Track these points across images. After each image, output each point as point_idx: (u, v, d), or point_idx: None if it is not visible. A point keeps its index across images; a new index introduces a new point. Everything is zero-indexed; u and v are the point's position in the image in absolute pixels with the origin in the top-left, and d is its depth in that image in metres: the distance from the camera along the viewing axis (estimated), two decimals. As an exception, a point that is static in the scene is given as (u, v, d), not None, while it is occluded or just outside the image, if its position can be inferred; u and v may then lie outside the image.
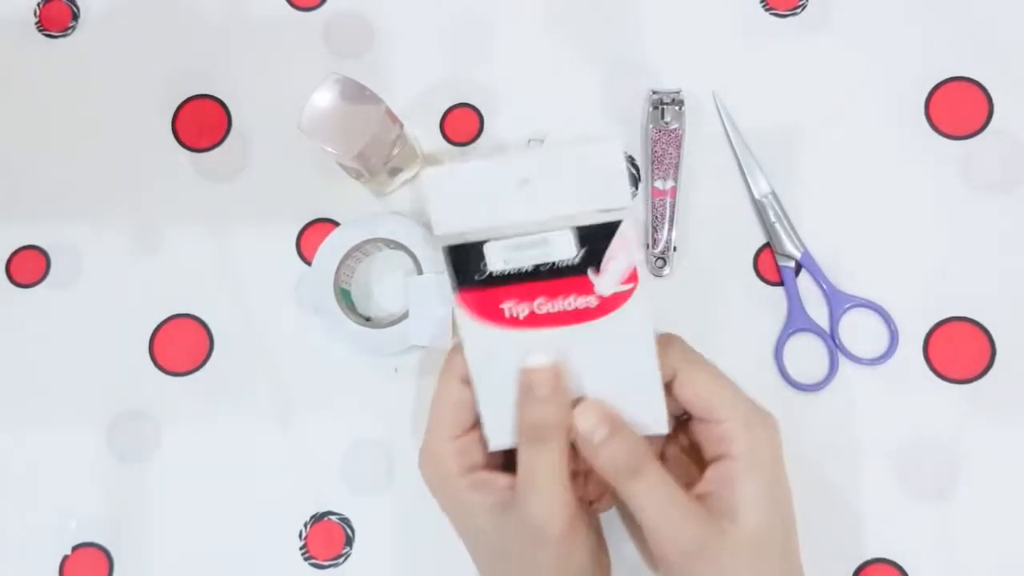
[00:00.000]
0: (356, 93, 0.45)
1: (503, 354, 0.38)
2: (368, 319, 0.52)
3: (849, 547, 0.49)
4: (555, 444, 0.37)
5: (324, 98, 0.45)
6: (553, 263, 0.37)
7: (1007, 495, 0.48)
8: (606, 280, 0.36)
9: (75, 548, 0.52)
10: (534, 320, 0.37)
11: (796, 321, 0.50)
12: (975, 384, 0.49)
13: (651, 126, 0.51)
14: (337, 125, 0.45)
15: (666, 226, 0.51)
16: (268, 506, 0.52)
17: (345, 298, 0.51)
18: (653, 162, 0.51)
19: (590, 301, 0.37)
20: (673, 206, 0.51)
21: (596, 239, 0.36)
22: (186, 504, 0.52)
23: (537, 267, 0.37)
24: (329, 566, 0.51)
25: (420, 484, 0.40)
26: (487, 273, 0.37)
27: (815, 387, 0.50)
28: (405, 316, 0.50)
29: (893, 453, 0.49)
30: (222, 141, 0.55)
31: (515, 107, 0.54)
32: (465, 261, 0.37)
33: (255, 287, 0.53)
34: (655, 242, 0.51)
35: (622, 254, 0.36)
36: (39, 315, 0.54)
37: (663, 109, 0.51)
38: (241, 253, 0.54)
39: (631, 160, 0.53)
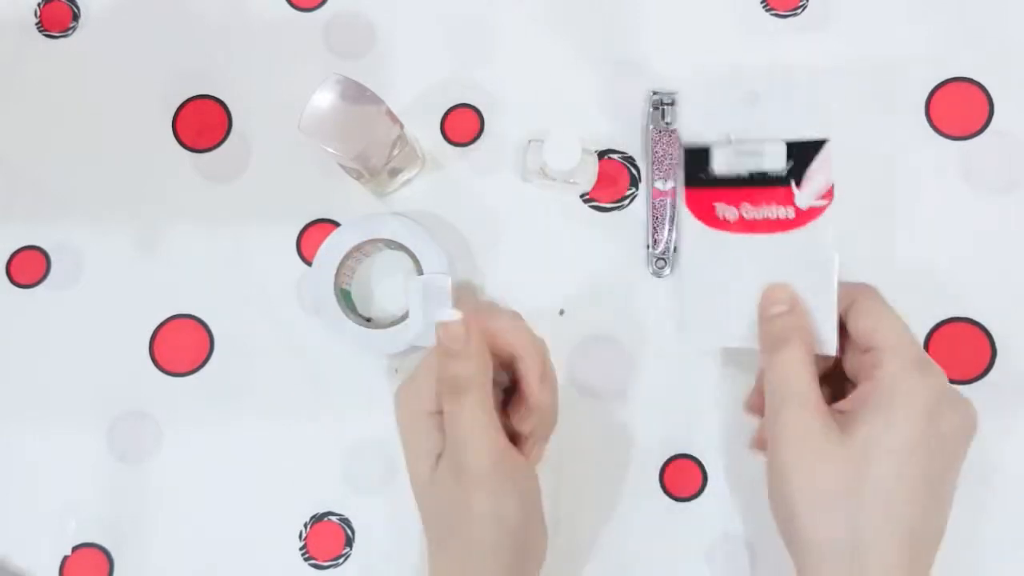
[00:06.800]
0: (356, 93, 0.45)
1: (714, 254, 0.43)
2: (368, 319, 0.52)
3: (849, 547, 0.49)
4: (475, 393, 0.40)
5: (324, 99, 0.45)
6: (764, 172, 0.42)
7: (1007, 495, 0.48)
8: (806, 193, 0.41)
9: (75, 548, 0.52)
10: (741, 225, 0.42)
11: (796, 321, 0.50)
12: (975, 384, 0.49)
13: (651, 126, 0.51)
14: (337, 126, 0.45)
15: (667, 227, 0.51)
16: (268, 506, 0.52)
17: (345, 298, 0.51)
18: (654, 163, 0.51)
19: (789, 212, 0.42)
20: (674, 207, 0.51)
21: (803, 155, 0.41)
22: (186, 504, 0.52)
23: (751, 174, 0.42)
24: (329, 566, 0.51)
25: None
26: (711, 174, 0.43)
27: (815, 387, 0.50)
28: (405, 317, 0.50)
29: (893, 453, 0.49)
30: (222, 141, 0.55)
31: (515, 107, 0.54)
32: (696, 163, 0.43)
33: (255, 287, 0.53)
34: (656, 243, 0.51)
35: (823, 170, 0.41)
36: (39, 315, 0.54)
37: (663, 109, 0.51)
38: (241, 253, 0.54)
39: (631, 161, 0.53)
